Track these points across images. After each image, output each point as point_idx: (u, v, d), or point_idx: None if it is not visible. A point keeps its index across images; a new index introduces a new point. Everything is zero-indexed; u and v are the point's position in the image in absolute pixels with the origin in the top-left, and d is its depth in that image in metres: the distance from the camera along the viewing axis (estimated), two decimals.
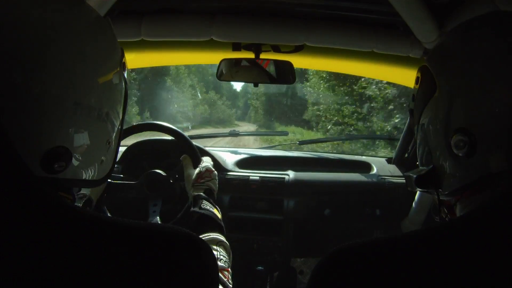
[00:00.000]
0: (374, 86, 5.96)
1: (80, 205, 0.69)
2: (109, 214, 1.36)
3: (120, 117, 0.60)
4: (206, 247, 0.46)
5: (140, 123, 1.46)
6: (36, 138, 0.44)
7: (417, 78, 0.58)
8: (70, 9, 0.50)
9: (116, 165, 1.58)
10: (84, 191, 1.18)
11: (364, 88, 6.46)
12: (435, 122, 0.52)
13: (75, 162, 0.49)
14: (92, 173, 0.54)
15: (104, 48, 0.54)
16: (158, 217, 1.34)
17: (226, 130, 2.32)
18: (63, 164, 0.47)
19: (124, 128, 1.45)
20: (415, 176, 0.55)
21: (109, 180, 1.34)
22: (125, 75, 0.60)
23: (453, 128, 0.47)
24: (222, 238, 0.84)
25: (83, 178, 0.52)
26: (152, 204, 1.38)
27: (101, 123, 0.53)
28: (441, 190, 0.53)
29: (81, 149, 0.50)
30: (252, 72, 1.31)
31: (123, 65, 0.58)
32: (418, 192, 1.53)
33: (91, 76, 0.50)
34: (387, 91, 5.57)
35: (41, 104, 0.44)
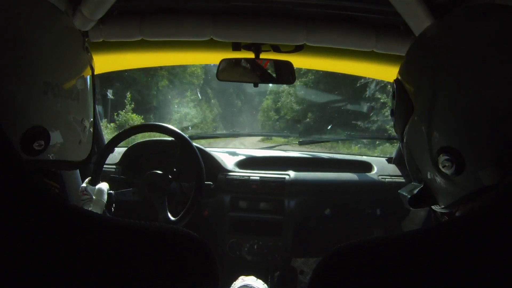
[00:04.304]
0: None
1: None
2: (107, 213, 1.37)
3: (91, 96, 0.62)
4: (208, 248, 0.46)
5: (140, 124, 1.47)
6: (12, 121, 0.46)
7: (393, 93, 0.56)
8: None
9: (116, 166, 1.60)
10: (85, 207, 1.20)
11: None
12: (418, 142, 0.50)
13: (53, 141, 0.51)
14: (73, 153, 0.57)
15: (65, 32, 0.57)
16: (168, 212, 1.35)
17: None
18: (42, 143, 0.49)
19: (125, 129, 1.46)
20: (408, 197, 0.54)
21: (111, 191, 1.35)
22: (91, 59, 0.63)
23: (437, 148, 0.46)
24: None
25: (65, 159, 0.54)
26: (158, 202, 1.38)
27: (73, 102, 0.55)
28: (437, 206, 0.52)
29: (58, 128, 0.52)
30: (252, 72, 1.31)
31: (86, 49, 0.61)
32: None
33: (57, 57, 0.53)
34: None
35: (11, 87, 0.46)
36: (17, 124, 0.47)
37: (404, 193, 0.56)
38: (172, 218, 1.35)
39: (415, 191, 0.53)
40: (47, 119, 0.50)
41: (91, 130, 0.63)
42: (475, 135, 0.43)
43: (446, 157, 0.44)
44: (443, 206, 0.50)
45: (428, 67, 0.48)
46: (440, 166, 0.45)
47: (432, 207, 0.54)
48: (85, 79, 0.60)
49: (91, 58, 0.64)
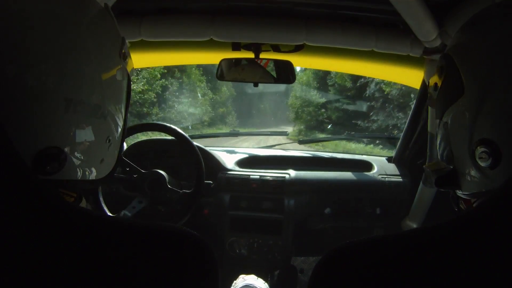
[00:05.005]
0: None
1: None
2: (103, 204, 1.37)
3: (122, 112, 0.56)
4: (208, 247, 0.46)
5: (141, 123, 1.47)
6: (26, 139, 0.42)
7: (441, 68, 0.54)
8: (66, 0, 0.47)
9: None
10: None
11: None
12: (460, 127, 0.49)
13: (71, 162, 0.46)
14: (92, 172, 0.51)
15: (100, 40, 0.50)
16: (130, 214, 1.34)
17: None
18: (55, 166, 0.44)
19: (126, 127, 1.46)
20: (435, 177, 0.54)
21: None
22: (127, 66, 0.56)
23: (478, 138, 0.46)
24: None
25: (81, 178, 0.49)
26: (137, 200, 1.38)
27: (98, 120, 0.49)
28: (460, 191, 0.52)
29: (77, 148, 0.47)
30: (252, 72, 1.31)
31: (123, 55, 0.54)
32: (418, 191, 1.53)
33: (84, 70, 0.46)
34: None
35: (30, 102, 0.42)
36: (29, 144, 0.42)
37: (430, 171, 0.56)
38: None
39: (443, 172, 0.53)
40: (65, 139, 0.45)
41: (118, 144, 0.56)
42: None
43: (484, 150, 0.44)
44: (466, 193, 0.51)
45: (489, 58, 0.47)
46: (477, 157, 0.46)
47: (456, 191, 0.54)
48: (117, 93, 0.53)
49: (128, 65, 0.56)
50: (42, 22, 0.43)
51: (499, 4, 0.49)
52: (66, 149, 0.45)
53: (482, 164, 0.45)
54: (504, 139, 0.43)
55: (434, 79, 0.57)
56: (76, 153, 0.47)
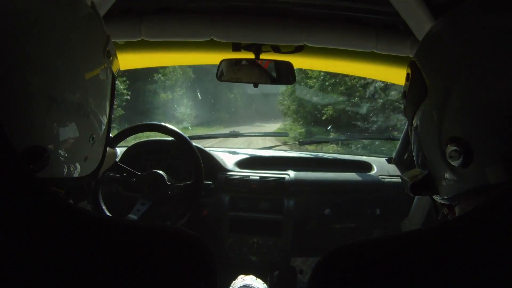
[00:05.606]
0: None
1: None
2: (103, 205, 1.37)
3: (106, 110, 0.56)
4: (207, 247, 0.46)
5: (140, 123, 1.47)
6: (10, 138, 0.41)
7: (407, 75, 0.54)
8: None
9: None
10: None
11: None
12: (428, 128, 0.48)
13: (54, 160, 0.47)
14: (75, 170, 0.51)
15: (84, 38, 0.50)
16: (136, 217, 1.34)
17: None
18: (39, 164, 0.45)
19: (124, 128, 1.47)
20: (410, 183, 0.53)
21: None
22: (112, 65, 0.56)
23: (447, 137, 0.45)
24: None
25: (65, 176, 0.50)
26: (140, 203, 1.39)
27: (82, 118, 0.49)
28: (438, 196, 0.51)
29: (60, 147, 0.47)
30: (252, 72, 1.31)
31: (107, 54, 0.54)
32: None
33: (67, 69, 0.47)
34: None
35: (13, 101, 0.42)
36: (15, 141, 0.41)
37: (406, 178, 0.55)
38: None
39: (418, 178, 0.52)
40: (48, 138, 0.45)
41: (102, 141, 0.57)
42: (487, 130, 0.42)
43: (455, 148, 0.43)
44: (444, 197, 0.50)
45: (447, 55, 0.47)
46: (447, 156, 0.44)
47: (433, 196, 0.53)
48: (101, 91, 0.53)
49: (112, 63, 0.56)
50: (26, 21, 0.43)
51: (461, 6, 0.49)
52: (49, 147, 0.45)
53: (454, 163, 0.44)
54: (473, 135, 0.42)
55: (404, 88, 0.56)
56: (59, 151, 0.47)
